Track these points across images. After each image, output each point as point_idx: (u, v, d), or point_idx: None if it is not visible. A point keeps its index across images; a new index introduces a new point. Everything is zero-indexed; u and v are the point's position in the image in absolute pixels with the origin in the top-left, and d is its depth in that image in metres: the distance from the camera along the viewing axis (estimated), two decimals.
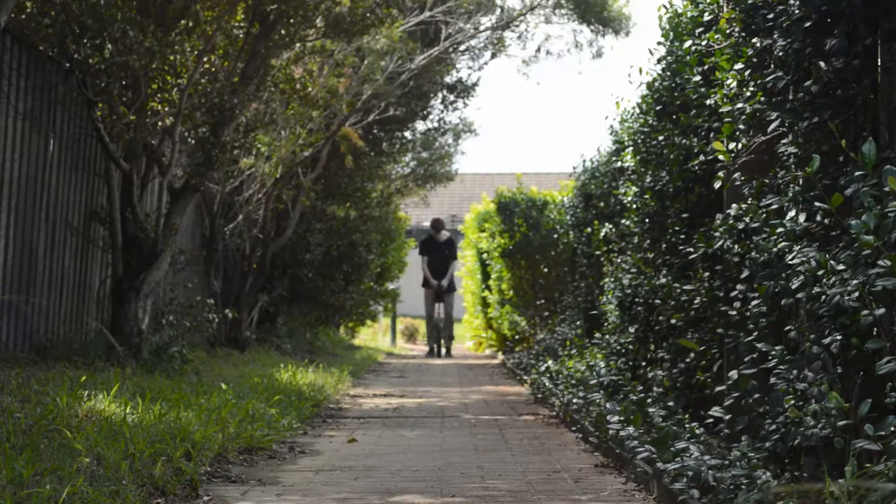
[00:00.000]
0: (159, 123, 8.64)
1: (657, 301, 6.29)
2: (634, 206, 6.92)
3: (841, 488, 2.83)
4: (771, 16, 4.17)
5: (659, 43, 6.27)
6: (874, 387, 3.31)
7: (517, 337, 15.60)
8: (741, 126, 4.57)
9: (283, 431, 5.75)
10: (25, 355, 6.97)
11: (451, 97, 16.76)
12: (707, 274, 5.49)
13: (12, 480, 3.32)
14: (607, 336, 7.89)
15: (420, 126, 17.60)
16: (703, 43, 5.39)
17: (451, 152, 20.32)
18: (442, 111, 17.11)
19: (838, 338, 3.35)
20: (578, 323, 10.62)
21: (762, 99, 4.28)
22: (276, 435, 5.50)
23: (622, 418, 4.97)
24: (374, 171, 15.79)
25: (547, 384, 8.05)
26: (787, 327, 3.89)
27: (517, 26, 16.27)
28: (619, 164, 8.15)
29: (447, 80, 16.29)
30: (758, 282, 3.87)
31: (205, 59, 8.62)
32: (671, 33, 6.10)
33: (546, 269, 14.30)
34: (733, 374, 3.97)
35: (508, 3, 15.94)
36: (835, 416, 3.23)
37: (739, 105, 4.48)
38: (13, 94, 6.98)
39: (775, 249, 3.83)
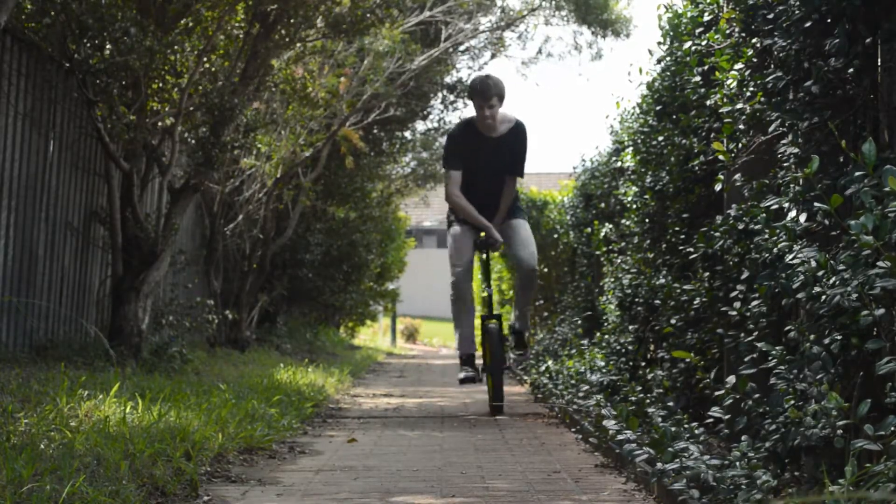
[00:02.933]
0: (159, 123, 8.65)
1: (657, 301, 6.29)
2: (634, 206, 6.92)
3: (840, 491, 2.82)
4: (771, 16, 4.17)
5: (659, 43, 6.28)
6: (874, 387, 3.31)
7: None
8: (741, 126, 4.57)
9: (282, 431, 5.75)
10: (25, 355, 6.97)
11: (451, 97, 16.79)
12: (707, 274, 5.50)
13: (12, 480, 3.32)
14: (607, 336, 7.89)
15: (420, 126, 17.64)
16: (703, 43, 5.40)
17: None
18: (442, 111, 17.14)
19: (838, 338, 3.35)
20: (578, 323, 10.62)
21: (762, 99, 4.28)
22: (275, 435, 5.50)
23: (620, 422, 4.97)
24: (374, 171, 15.81)
25: (547, 384, 8.05)
26: (787, 327, 3.89)
27: (517, 27, 16.29)
28: (619, 164, 8.15)
29: (447, 80, 16.32)
30: (758, 282, 3.88)
31: (205, 59, 8.63)
32: (671, 33, 6.10)
33: (546, 269, 14.30)
34: (731, 378, 3.97)
35: (509, 3, 15.98)
36: (835, 416, 3.23)
37: (739, 105, 4.48)
38: (13, 94, 6.98)
39: (775, 250, 3.83)
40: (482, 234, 7.31)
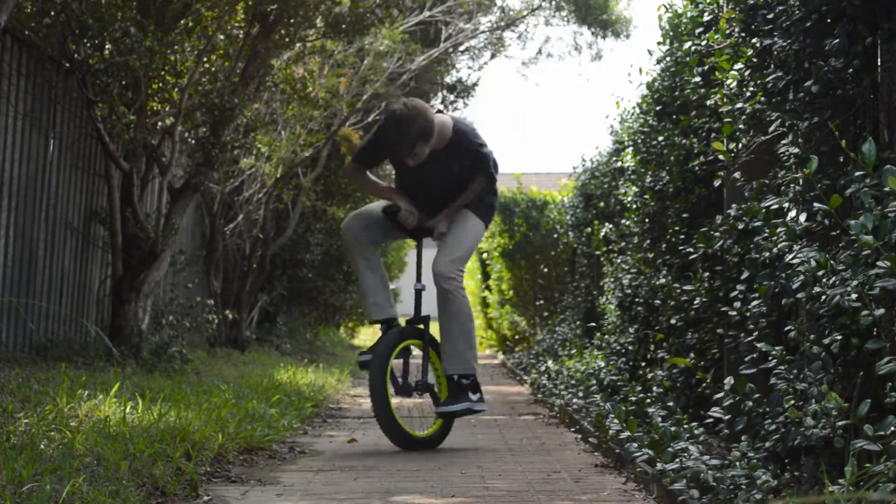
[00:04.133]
0: (159, 123, 8.65)
1: (657, 301, 6.29)
2: (634, 206, 6.92)
3: (840, 491, 2.82)
4: (771, 16, 4.18)
5: (659, 43, 6.28)
6: (874, 387, 3.31)
7: (517, 337, 15.60)
8: (741, 126, 4.57)
9: (283, 431, 5.75)
10: (25, 355, 6.97)
11: (451, 97, 16.78)
12: (707, 274, 5.50)
13: (12, 480, 3.32)
14: (607, 336, 7.89)
15: None
16: (703, 43, 5.40)
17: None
18: (442, 111, 17.14)
19: (838, 338, 3.35)
20: (578, 323, 10.62)
21: (762, 99, 4.29)
22: (276, 435, 5.50)
23: (620, 422, 4.97)
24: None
25: (547, 384, 8.05)
26: (787, 327, 3.89)
27: (517, 27, 16.29)
28: (619, 164, 8.15)
29: (447, 80, 16.31)
30: (758, 282, 3.88)
31: (205, 59, 8.63)
32: (671, 33, 6.10)
33: (546, 269, 14.31)
34: (729, 380, 3.97)
35: (509, 3, 15.98)
36: (835, 416, 3.23)
37: (739, 105, 4.48)
38: (13, 94, 6.98)
39: (775, 249, 3.83)
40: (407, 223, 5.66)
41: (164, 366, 7.71)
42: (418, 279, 5.81)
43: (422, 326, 5.71)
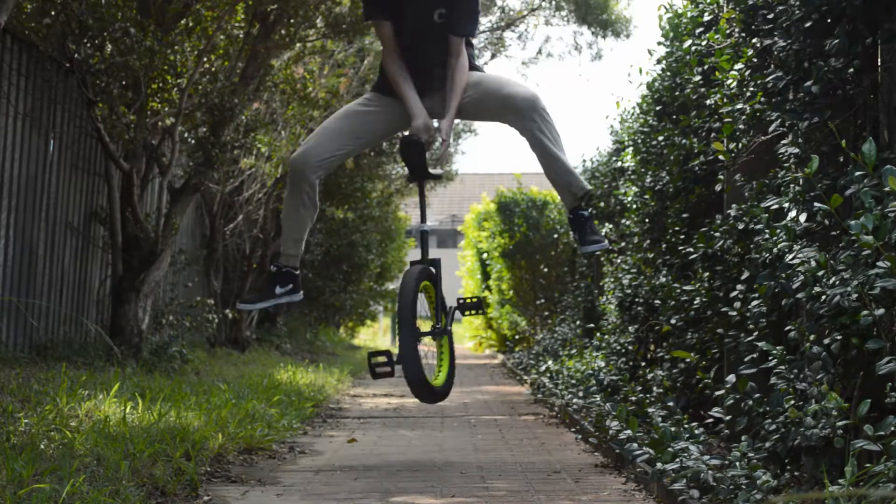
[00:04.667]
0: (159, 123, 8.65)
1: (657, 301, 6.29)
2: (634, 206, 6.92)
3: (840, 491, 2.83)
4: (771, 16, 4.18)
5: (659, 43, 6.28)
6: (874, 387, 3.31)
7: (517, 337, 15.60)
8: (741, 126, 4.57)
9: (283, 431, 5.75)
10: (25, 355, 6.97)
11: None
12: (707, 274, 5.50)
13: (12, 480, 3.32)
14: (607, 336, 7.89)
15: None
16: (703, 43, 5.40)
17: (451, 152, 20.32)
18: None
19: (838, 338, 3.35)
20: (578, 323, 10.62)
21: (762, 99, 4.29)
22: (276, 435, 5.50)
23: (620, 422, 4.97)
24: (374, 171, 15.80)
25: (547, 384, 8.05)
26: (787, 327, 3.89)
27: (517, 27, 16.30)
28: (619, 164, 8.15)
29: None
30: (758, 282, 3.88)
31: (205, 59, 8.63)
32: (671, 33, 6.10)
33: (546, 269, 14.31)
34: (731, 377, 3.97)
35: (509, 3, 15.99)
36: (835, 416, 3.23)
37: (739, 105, 4.48)
38: (13, 94, 6.98)
39: (775, 250, 3.83)
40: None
41: (164, 366, 7.70)
42: (423, 220, 5.06)
43: (423, 269, 4.89)
